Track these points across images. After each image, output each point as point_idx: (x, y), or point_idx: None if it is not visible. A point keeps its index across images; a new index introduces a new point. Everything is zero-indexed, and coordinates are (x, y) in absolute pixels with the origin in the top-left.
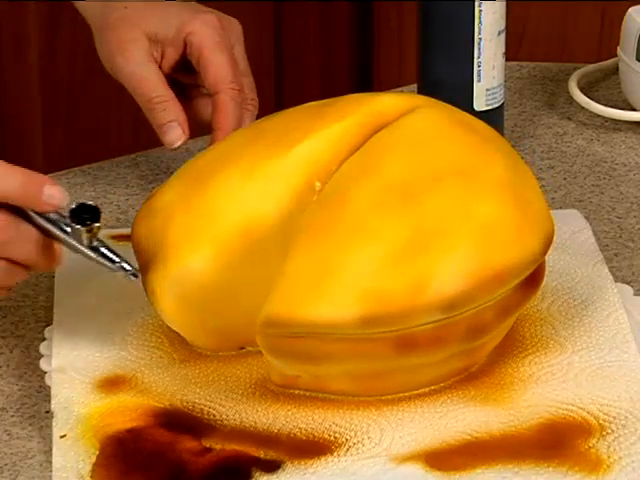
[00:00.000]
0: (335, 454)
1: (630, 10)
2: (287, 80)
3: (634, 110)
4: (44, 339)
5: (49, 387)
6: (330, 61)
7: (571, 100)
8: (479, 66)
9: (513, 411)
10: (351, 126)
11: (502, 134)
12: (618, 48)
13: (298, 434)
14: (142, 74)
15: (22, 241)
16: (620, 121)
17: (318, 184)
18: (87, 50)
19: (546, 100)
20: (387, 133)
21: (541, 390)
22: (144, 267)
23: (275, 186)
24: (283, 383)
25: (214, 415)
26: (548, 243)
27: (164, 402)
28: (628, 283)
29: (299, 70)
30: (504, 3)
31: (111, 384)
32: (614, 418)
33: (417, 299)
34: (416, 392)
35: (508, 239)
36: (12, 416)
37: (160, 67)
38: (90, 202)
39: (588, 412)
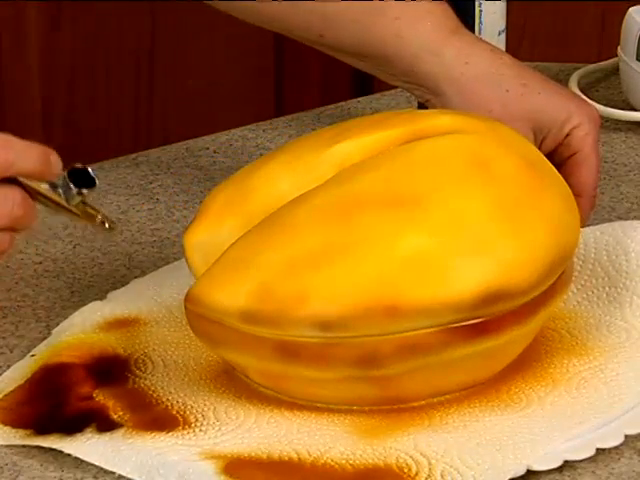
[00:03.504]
0: (171, 433)
1: (630, 10)
2: (287, 80)
3: (634, 110)
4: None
5: None
6: (330, 61)
7: None
8: None
9: (375, 446)
10: (389, 137)
11: None
12: (618, 48)
13: (170, 407)
14: None
15: (31, 212)
16: (620, 121)
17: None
18: (87, 50)
19: None
20: (396, 150)
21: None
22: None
23: (305, 180)
24: (237, 370)
25: (142, 372)
26: (489, 296)
27: (122, 348)
28: None
29: (299, 70)
30: (504, 3)
31: (119, 324)
32: None
33: (295, 309)
34: (330, 406)
35: (427, 275)
36: None
37: None
38: (83, 166)
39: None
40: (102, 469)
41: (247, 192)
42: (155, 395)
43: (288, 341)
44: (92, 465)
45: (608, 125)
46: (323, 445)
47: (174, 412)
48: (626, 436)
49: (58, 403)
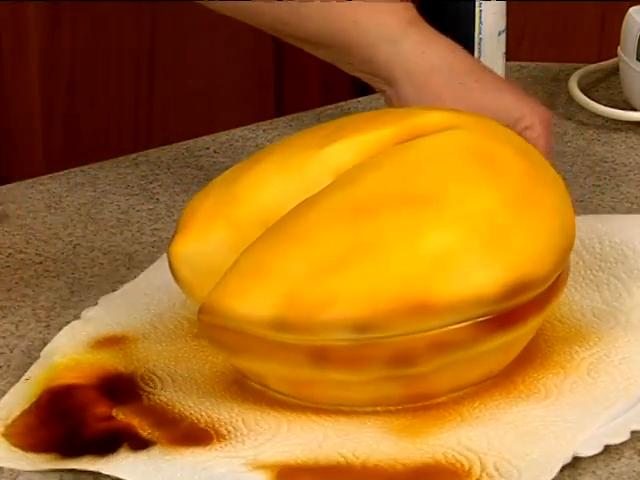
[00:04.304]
0: (208, 447)
1: (630, 10)
2: (287, 80)
3: (634, 110)
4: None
5: None
6: None
7: (571, 100)
8: None
9: (418, 445)
10: (384, 136)
11: None
12: (618, 48)
13: (196, 421)
14: None
15: None
16: (620, 121)
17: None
18: (87, 50)
19: (546, 100)
20: (397, 149)
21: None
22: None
23: (297, 183)
24: (249, 377)
25: (153, 389)
26: (513, 289)
27: (122, 366)
28: None
29: (299, 70)
30: (504, 3)
31: (108, 342)
32: None
33: (325, 313)
34: (355, 409)
35: (454, 272)
36: None
37: None
38: None
39: None
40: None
41: (234, 198)
42: (177, 410)
43: (319, 346)
44: None
45: (608, 125)
46: (366, 447)
47: (203, 426)
48: None
49: (76, 425)
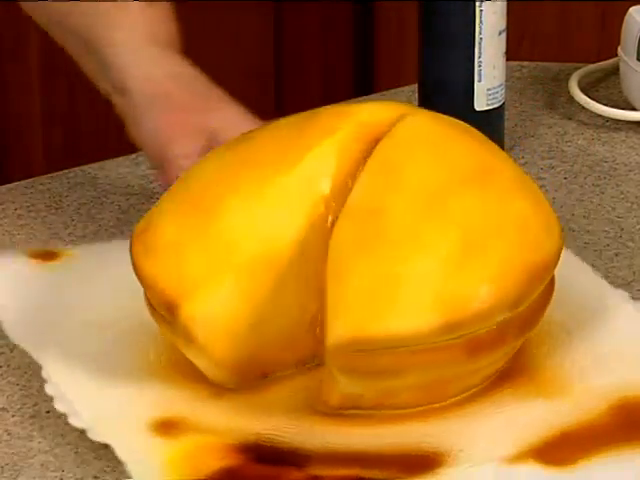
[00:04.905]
0: (446, 465)
1: (630, 10)
2: (287, 80)
3: (634, 110)
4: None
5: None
6: (330, 61)
7: (571, 100)
8: (480, 66)
9: (574, 402)
10: (345, 140)
11: (502, 134)
12: (618, 48)
13: (397, 451)
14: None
15: None
16: (620, 121)
17: (326, 198)
18: None
19: (546, 100)
20: (391, 142)
21: (591, 377)
22: (167, 307)
23: (285, 209)
24: (341, 404)
25: (293, 442)
26: (563, 237)
27: (235, 438)
28: (628, 283)
29: (299, 70)
30: (504, 3)
31: (166, 427)
32: None
33: (488, 300)
34: (464, 395)
35: (541, 234)
36: (13, 416)
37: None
38: None
39: None
40: (102, 469)
41: (227, 248)
42: (357, 449)
43: (475, 337)
44: (92, 465)
45: (608, 125)
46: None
47: (406, 454)
48: None
49: None
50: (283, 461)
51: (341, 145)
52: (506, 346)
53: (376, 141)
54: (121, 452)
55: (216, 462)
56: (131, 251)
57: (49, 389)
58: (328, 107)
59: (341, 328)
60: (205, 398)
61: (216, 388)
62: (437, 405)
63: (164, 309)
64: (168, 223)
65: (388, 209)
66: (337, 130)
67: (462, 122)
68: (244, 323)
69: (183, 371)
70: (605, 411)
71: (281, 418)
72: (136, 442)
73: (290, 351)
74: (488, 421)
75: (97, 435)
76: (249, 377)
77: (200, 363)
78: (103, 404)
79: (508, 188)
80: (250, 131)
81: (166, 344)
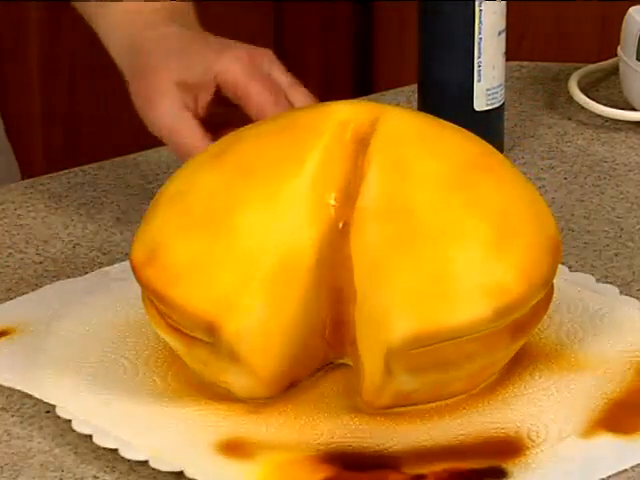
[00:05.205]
0: (532, 446)
1: (630, 10)
2: None
3: (634, 110)
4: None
5: None
6: (330, 61)
7: (571, 100)
8: (479, 66)
9: (601, 372)
10: (333, 141)
11: (502, 134)
12: (618, 48)
13: (478, 440)
14: (175, 126)
15: None
16: (620, 121)
17: (333, 202)
18: (87, 50)
19: (546, 100)
20: (384, 142)
21: (604, 348)
22: (207, 329)
23: (298, 217)
24: (391, 403)
25: (372, 446)
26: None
27: (310, 450)
28: (628, 283)
29: (299, 70)
30: (504, 3)
31: (232, 448)
32: None
33: (527, 282)
34: (489, 381)
35: (548, 212)
36: (12, 416)
37: (197, 110)
38: None
39: None
40: (102, 469)
41: (251, 264)
42: (437, 443)
43: (519, 319)
44: (92, 465)
45: (608, 125)
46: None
47: (500, 440)
48: None
49: None
50: (374, 465)
51: (333, 147)
52: (536, 327)
53: (361, 141)
54: (204, 478)
55: (311, 476)
56: (145, 282)
57: (82, 428)
58: (298, 109)
59: (403, 328)
60: (244, 415)
61: (246, 403)
62: (474, 392)
63: (202, 331)
64: (181, 245)
65: (416, 206)
66: (324, 132)
67: (435, 116)
68: (277, 334)
69: (205, 393)
70: (634, 376)
71: (337, 423)
72: (213, 466)
73: (311, 357)
74: (539, 401)
75: (164, 464)
76: (281, 388)
77: (241, 380)
78: (158, 432)
79: (505, 171)
80: (231, 139)
81: (174, 368)
